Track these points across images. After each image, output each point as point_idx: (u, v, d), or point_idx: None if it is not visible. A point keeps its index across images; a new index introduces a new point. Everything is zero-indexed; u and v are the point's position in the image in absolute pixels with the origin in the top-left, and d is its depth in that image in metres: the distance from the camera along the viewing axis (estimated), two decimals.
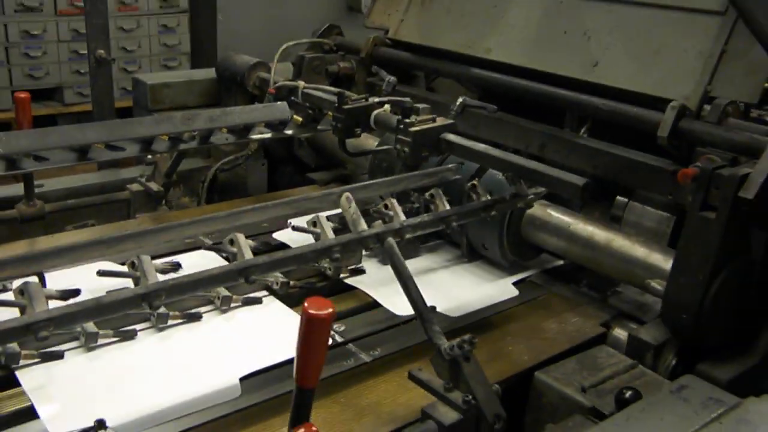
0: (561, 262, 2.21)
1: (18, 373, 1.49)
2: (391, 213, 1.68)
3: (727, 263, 1.68)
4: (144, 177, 2.53)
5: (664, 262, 1.83)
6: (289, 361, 1.25)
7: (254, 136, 2.37)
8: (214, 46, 5.74)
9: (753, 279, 1.77)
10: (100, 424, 1.31)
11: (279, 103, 2.36)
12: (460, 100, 2.14)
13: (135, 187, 2.52)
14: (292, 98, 2.43)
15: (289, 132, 2.43)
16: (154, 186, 2.47)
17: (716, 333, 1.73)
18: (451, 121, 2.00)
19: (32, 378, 1.48)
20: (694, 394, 1.58)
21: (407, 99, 2.05)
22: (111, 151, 2.09)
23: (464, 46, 2.50)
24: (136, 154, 2.15)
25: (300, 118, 2.39)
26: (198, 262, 1.74)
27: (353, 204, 1.62)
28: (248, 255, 1.51)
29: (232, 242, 1.55)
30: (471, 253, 2.14)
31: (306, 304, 1.03)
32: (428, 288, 1.71)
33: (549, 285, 2.13)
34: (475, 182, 1.87)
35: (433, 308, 1.83)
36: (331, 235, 1.60)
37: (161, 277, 1.46)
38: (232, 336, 1.66)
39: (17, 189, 2.41)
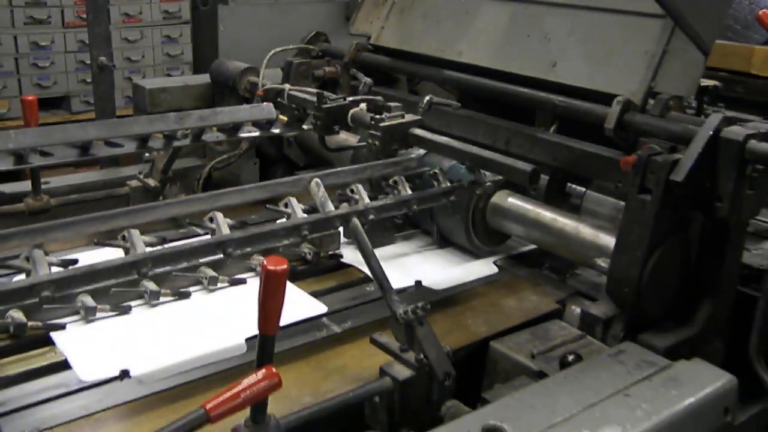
0: (528, 248, 2.39)
1: (52, 334, 1.73)
2: (357, 197, 1.86)
3: (663, 241, 1.86)
4: (142, 174, 2.72)
5: (610, 242, 2.01)
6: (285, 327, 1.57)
7: (243, 135, 2.55)
8: (216, 55, 5.96)
9: (690, 256, 1.95)
10: (124, 372, 1.57)
11: (265, 104, 2.55)
12: (426, 98, 2.33)
13: (134, 183, 2.70)
14: (279, 100, 2.62)
15: (276, 131, 2.62)
16: (151, 182, 2.66)
17: (656, 305, 1.91)
18: (418, 117, 2.20)
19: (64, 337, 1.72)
20: (630, 357, 1.76)
21: (379, 98, 2.24)
22: (110, 148, 2.28)
23: (438, 50, 2.69)
24: (133, 150, 2.34)
25: (285, 118, 2.58)
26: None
27: (322, 188, 1.81)
28: (226, 231, 1.71)
29: (211, 220, 1.74)
30: (442, 240, 2.33)
31: (265, 262, 1.22)
32: (410, 267, 1.93)
33: (513, 268, 2.31)
34: (436, 170, 2.06)
35: (419, 282, 2.04)
36: (300, 215, 1.79)
37: (149, 249, 1.66)
38: (236, 305, 1.89)
39: (25, 186, 2.61)
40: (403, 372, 1.59)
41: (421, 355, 1.60)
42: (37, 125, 2.48)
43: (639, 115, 2.06)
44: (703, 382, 1.67)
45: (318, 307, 1.92)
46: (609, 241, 2.02)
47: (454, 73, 2.59)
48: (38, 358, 1.71)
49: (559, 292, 2.16)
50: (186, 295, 1.91)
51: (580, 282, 2.23)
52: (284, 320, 1.73)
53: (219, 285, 1.97)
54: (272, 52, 2.89)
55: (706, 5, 1.94)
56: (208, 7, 6.17)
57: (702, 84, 2.62)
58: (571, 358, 1.76)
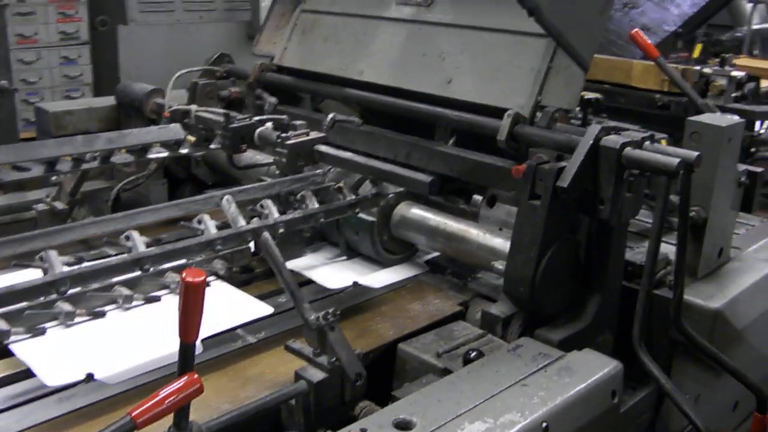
0: (432, 255, 2.52)
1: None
2: (266, 212, 1.95)
3: (553, 242, 2.01)
4: (49, 197, 2.73)
5: (506, 246, 2.15)
6: (236, 327, 1.83)
7: (152, 156, 2.60)
8: (117, 77, 5.92)
9: (579, 256, 2.12)
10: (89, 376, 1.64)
11: (172, 125, 2.61)
12: (330, 116, 2.44)
13: (41, 206, 2.70)
14: (186, 120, 2.68)
15: (184, 151, 2.68)
16: (59, 205, 2.67)
17: (549, 302, 2.06)
18: (323, 135, 2.30)
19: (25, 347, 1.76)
20: (527, 351, 1.90)
21: (285, 117, 2.33)
22: (17, 172, 2.30)
23: (340, 69, 2.81)
24: (41, 174, 2.36)
25: (193, 138, 2.64)
26: None
27: (233, 205, 1.89)
28: (142, 248, 1.76)
29: (128, 238, 1.79)
30: (349, 251, 2.43)
31: (184, 274, 1.29)
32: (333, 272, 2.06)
33: (418, 275, 2.44)
34: (340, 184, 2.17)
35: (356, 283, 2.15)
36: (213, 231, 1.86)
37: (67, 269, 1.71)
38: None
39: None
40: (317, 375, 1.68)
41: (334, 359, 1.69)
42: None
43: (528, 127, 2.22)
44: (593, 369, 1.83)
45: (264, 309, 2.00)
46: (505, 245, 2.17)
47: (356, 91, 2.70)
48: None
49: (461, 295, 2.30)
50: (101, 315, 1.95)
51: (480, 285, 2.37)
52: (233, 322, 1.93)
53: (134, 303, 2.01)
54: (178, 74, 2.94)
55: (583, 27, 2.12)
56: (106, 27, 6.11)
57: (585, 97, 2.83)
58: (473, 354, 1.89)
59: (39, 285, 1.59)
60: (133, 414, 1.28)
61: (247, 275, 2.25)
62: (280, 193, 2.10)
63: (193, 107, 2.69)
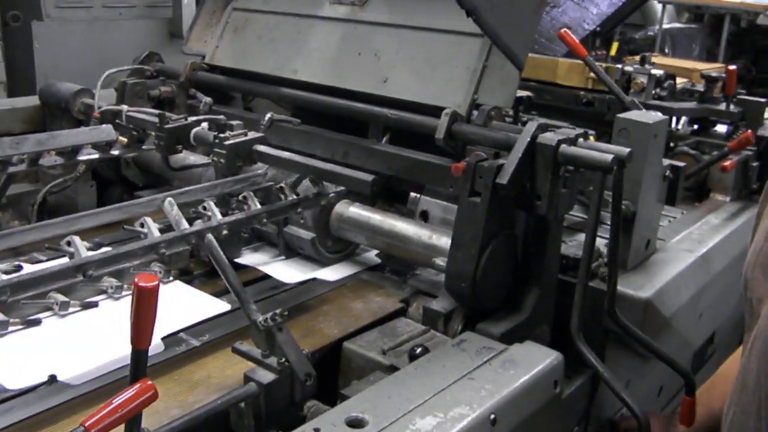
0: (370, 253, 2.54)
1: None
2: (209, 213, 1.93)
3: (493, 238, 2.06)
4: None
5: (446, 243, 2.19)
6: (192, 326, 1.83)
7: (82, 158, 2.54)
8: (32, 75, 5.72)
9: (517, 251, 2.17)
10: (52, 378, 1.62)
11: (104, 125, 2.55)
12: (267, 115, 2.43)
13: None
14: (117, 121, 2.62)
15: (116, 152, 2.62)
16: None
17: (490, 297, 2.10)
18: (261, 135, 2.29)
19: None
20: (471, 345, 1.94)
21: (221, 117, 2.31)
22: None
23: (274, 68, 2.80)
24: None
25: (125, 139, 2.58)
26: None
27: (175, 207, 1.86)
28: (85, 253, 1.72)
29: (69, 243, 1.75)
30: (287, 251, 2.42)
31: (136, 279, 1.27)
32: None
33: (357, 273, 2.45)
34: (282, 185, 2.17)
35: (314, 278, 2.18)
36: (156, 234, 1.83)
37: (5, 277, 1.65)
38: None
39: None
40: (266, 376, 1.68)
41: (283, 359, 1.69)
42: None
43: (465, 125, 2.26)
44: (535, 361, 1.88)
45: (220, 306, 2.00)
46: (445, 241, 2.20)
47: (291, 90, 2.69)
48: None
49: (401, 292, 2.32)
50: (36, 323, 1.89)
51: (420, 281, 2.40)
52: (192, 319, 1.94)
53: (71, 310, 1.96)
54: (106, 73, 2.87)
55: (518, 26, 2.17)
56: (20, 23, 5.89)
57: (517, 95, 2.90)
58: (418, 350, 1.91)
59: None
60: (87, 424, 1.25)
61: (186, 277, 2.22)
62: (221, 193, 2.08)
63: (124, 107, 2.63)
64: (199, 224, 1.90)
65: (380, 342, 2.02)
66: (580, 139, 2.09)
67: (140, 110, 2.63)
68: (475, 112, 2.32)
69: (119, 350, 1.74)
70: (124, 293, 1.97)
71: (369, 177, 2.02)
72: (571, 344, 2.08)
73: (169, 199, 1.88)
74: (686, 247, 2.73)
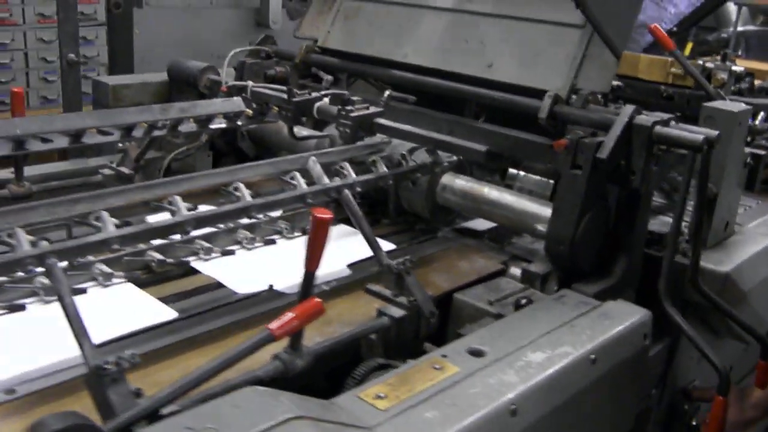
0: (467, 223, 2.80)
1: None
2: (345, 172, 2.21)
3: (590, 207, 2.29)
4: (114, 163, 2.95)
5: (544, 211, 2.43)
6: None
7: (213, 126, 2.84)
8: (131, 58, 6.09)
9: (608, 222, 2.39)
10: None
11: (235, 98, 2.85)
12: (387, 93, 2.69)
13: (106, 171, 2.93)
14: (243, 95, 2.92)
15: (240, 123, 2.92)
16: (125, 170, 2.90)
17: (584, 260, 2.33)
18: (381, 109, 2.56)
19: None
20: (569, 300, 2.18)
21: (346, 92, 2.59)
22: (102, 136, 2.52)
23: (384, 52, 3.06)
24: (120, 139, 2.59)
25: (251, 112, 2.88)
26: None
27: (318, 165, 2.15)
28: (249, 199, 2.02)
29: (236, 189, 2.04)
30: (397, 213, 2.68)
31: (312, 212, 1.55)
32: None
33: (460, 239, 2.71)
34: (404, 152, 2.43)
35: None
36: (305, 187, 2.12)
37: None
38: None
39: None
40: (398, 312, 1.94)
41: (412, 298, 1.96)
42: (24, 116, 2.68)
43: (566, 107, 2.49)
44: (627, 315, 2.11)
45: (168, 313, 1.96)
46: (543, 210, 2.44)
47: (405, 72, 2.95)
48: None
49: (501, 256, 2.57)
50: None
51: (516, 248, 2.65)
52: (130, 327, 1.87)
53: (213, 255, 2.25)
54: (231, 52, 3.18)
55: (618, 18, 2.40)
56: (121, 10, 6.29)
57: None
58: (523, 301, 2.16)
59: (170, 224, 1.83)
60: (272, 328, 1.53)
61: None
62: (353, 157, 2.36)
63: (250, 83, 2.93)
64: (337, 181, 2.18)
65: (486, 295, 2.26)
66: (672, 122, 2.31)
67: (264, 86, 2.92)
68: (574, 97, 2.55)
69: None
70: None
71: (483, 147, 2.27)
72: (653, 310, 2.30)
73: (312, 158, 2.16)
74: (763, 232, 2.91)
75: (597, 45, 2.52)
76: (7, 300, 1.91)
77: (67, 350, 1.65)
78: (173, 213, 1.86)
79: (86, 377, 1.42)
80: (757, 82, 3.98)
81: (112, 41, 6.28)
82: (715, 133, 2.24)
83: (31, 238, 1.57)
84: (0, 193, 2.70)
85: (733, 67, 3.69)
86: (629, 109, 2.28)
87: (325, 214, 1.55)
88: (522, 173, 2.75)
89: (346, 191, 2.13)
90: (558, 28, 2.66)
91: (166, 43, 6.26)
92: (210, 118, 2.81)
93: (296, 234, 2.44)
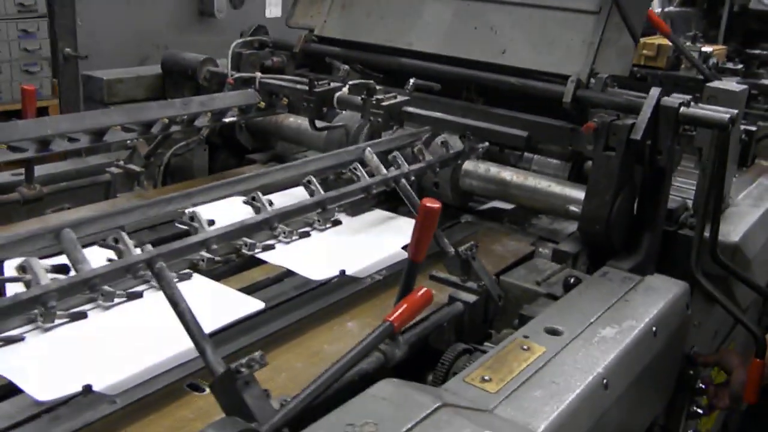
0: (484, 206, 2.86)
1: None
2: (399, 162, 2.24)
3: (623, 187, 2.39)
4: (121, 161, 2.88)
5: (574, 192, 2.51)
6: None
7: (226, 119, 2.80)
8: (75, 51, 5.88)
9: (634, 201, 2.50)
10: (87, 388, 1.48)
11: (248, 90, 2.82)
12: (411, 81, 2.72)
13: (114, 170, 2.86)
14: (253, 87, 2.89)
15: (250, 115, 2.90)
16: (135, 167, 2.83)
17: (617, 238, 2.44)
18: (408, 98, 2.59)
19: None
20: (614, 276, 2.27)
21: (371, 81, 2.60)
22: (125, 133, 2.47)
23: (387, 40, 3.08)
24: (142, 135, 2.53)
25: (264, 104, 2.86)
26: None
27: (375, 156, 2.17)
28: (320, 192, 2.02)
29: (309, 182, 2.03)
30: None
31: (422, 201, 1.57)
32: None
33: (480, 223, 2.77)
34: (445, 138, 2.47)
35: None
36: (367, 178, 2.14)
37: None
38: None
39: (4, 177, 2.70)
40: (469, 297, 1.99)
41: (480, 282, 2.01)
42: (34, 115, 2.59)
43: (588, 90, 2.58)
44: (670, 288, 2.23)
45: (254, 304, 1.89)
46: (574, 192, 2.52)
47: (412, 60, 2.98)
48: None
49: (528, 237, 2.65)
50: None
51: (538, 229, 2.73)
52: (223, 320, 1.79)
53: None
54: (234, 43, 3.13)
55: (636, 1, 2.50)
56: None
57: None
58: (572, 279, 2.24)
59: (256, 222, 1.81)
60: (391, 319, 1.56)
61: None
62: (399, 146, 2.38)
63: (258, 74, 2.90)
64: (393, 171, 2.20)
65: (530, 276, 2.33)
66: (692, 103, 2.43)
67: (273, 77, 2.90)
68: (593, 81, 2.64)
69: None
70: None
71: (523, 133, 2.33)
72: None
73: (368, 148, 2.17)
74: (751, 203, 3.09)
75: (613, 29, 2.62)
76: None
77: (156, 354, 1.65)
78: (258, 210, 1.85)
79: (215, 382, 1.41)
80: None
81: (54, 34, 6.06)
82: (735, 111, 2.36)
83: (133, 241, 1.54)
84: (11, 196, 2.61)
85: (703, 48, 3.87)
86: (656, 91, 2.38)
87: (434, 204, 1.58)
88: (535, 156, 2.82)
89: (403, 180, 2.16)
90: (568, 14, 2.74)
91: (109, 35, 6.05)
92: (224, 112, 2.77)
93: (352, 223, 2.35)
